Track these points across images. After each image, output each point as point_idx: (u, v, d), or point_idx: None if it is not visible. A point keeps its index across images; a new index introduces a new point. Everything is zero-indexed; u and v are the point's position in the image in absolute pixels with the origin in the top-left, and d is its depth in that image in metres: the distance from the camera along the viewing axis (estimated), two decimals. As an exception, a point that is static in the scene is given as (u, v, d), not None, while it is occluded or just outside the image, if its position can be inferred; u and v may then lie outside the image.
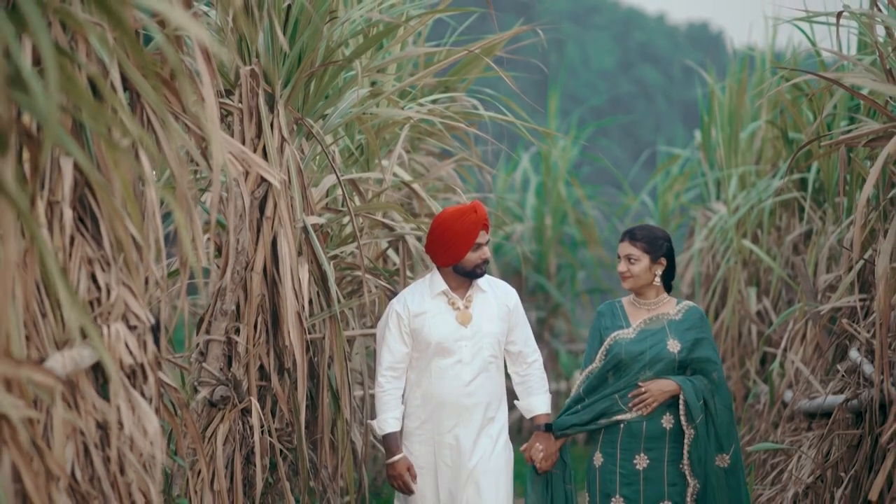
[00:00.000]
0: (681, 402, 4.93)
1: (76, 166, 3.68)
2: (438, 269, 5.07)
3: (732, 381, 8.19)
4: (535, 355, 5.21)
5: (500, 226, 10.85)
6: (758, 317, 8.15)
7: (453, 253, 5.03)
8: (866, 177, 5.01)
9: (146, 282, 3.91)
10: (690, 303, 5.12)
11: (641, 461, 4.98)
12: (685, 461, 4.94)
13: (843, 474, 5.21)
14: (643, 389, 4.96)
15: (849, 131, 6.38)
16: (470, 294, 5.10)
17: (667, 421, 4.97)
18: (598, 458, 5.06)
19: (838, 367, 5.66)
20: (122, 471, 3.78)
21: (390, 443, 5.04)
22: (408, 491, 5.05)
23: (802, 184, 7.72)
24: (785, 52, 9.25)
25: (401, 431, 5.07)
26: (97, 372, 3.75)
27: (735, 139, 8.92)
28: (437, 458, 5.05)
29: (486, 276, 5.16)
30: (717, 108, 9.32)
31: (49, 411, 3.38)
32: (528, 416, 5.19)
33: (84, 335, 3.71)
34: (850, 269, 5.81)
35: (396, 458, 5.02)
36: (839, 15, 4.95)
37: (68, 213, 3.66)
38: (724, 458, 4.93)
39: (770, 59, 8.70)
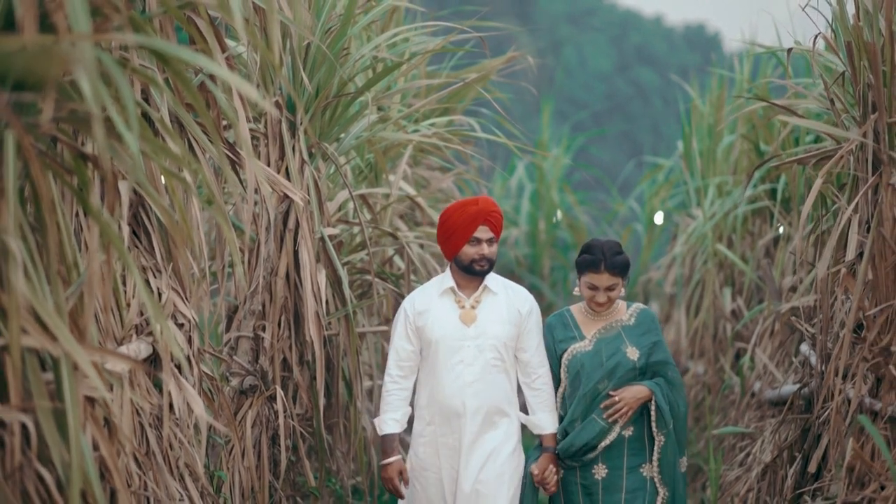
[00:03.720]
0: (652, 408, 4.81)
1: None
2: (450, 265, 4.96)
3: (708, 374, 8.85)
4: (542, 368, 4.94)
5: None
6: (732, 315, 8.78)
7: (452, 245, 4.87)
8: (822, 190, 5.66)
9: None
10: (640, 305, 5.02)
11: (600, 471, 4.85)
12: (655, 469, 4.83)
13: (796, 454, 5.84)
14: (616, 398, 4.81)
15: (815, 141, 7.05)
16: (479, 295, 4.91)
17: (625, 430, 4.86)
18: (559, 471, 4.93)
19: (794, 359, 6.31)
20: (171, 446, 4.44)
21: (386, 444, 4.93)
22: (397, 494, 4.93)
23: (773, 193, 8.38)
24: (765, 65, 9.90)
25: (410, 432, 4.99)
26: (151, 363, 4.41)
27: (713, 151, 9.56)
28: (442, 461, 4.89)
29: (503, 279, 5.01)
30: (698, 120, 9.97)
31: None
32: (536, 431, 4.98)
33: (139, 332, 4.40)
34: (809, 272, 6.46)
35: (390, 460, 4.90)
36: (790, 51, 5.62)
37: (126, 229, 4.32)
38: (683, 461, 4.90)
39: (747, 77, 9.31)
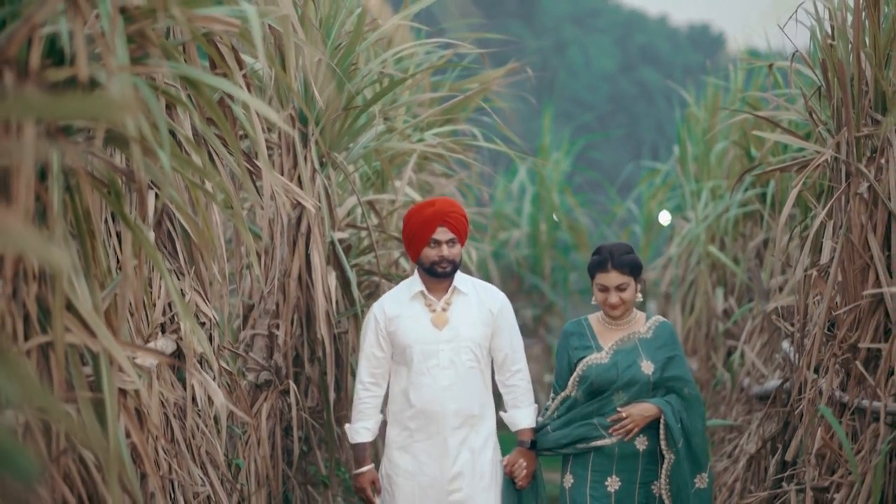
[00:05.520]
0: (661, 426, 4.69)
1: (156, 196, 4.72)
2: (417, 269, 4.92)
3: (701, 370, 9.20)
4: (519, 363, 4.89)
5: (495, 234, 11.78)
6: (724, 314, 9.12)
7: (414, 248, 4.83)
8: (809, 194, 6.00)
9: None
10: (660, 318, 4.92)
11: (613, 483, 4.75)
12: (664, 487, 4.71)
13: (778, 445, 6.18)
14: (624, 415, 4.71)
15: (801, 149, 7.37)
16: (449, 297, 4.85)
17: (640, 443, 4.76)
18: (568, 480, 4.84)
19: (777, 356, 6.66)
20: (193, 436, 4.77)
21: (358, 453, 4.90)
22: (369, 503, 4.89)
23: (763, 197, 8.71)
24: (759, 72, 10.22)
25: (383, 439, 4.96)
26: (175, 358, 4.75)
27: (707, 156, 9.89)
28: (418, 467, 4.83)
29: (472, 278, 4.97)
30: (694, 125, 10.31)
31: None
32: (512, 428, 4.92)
33: (164, 330, 4.75)
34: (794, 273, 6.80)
35: (362, 470, 4.87)
36: (771, 66, 5.97)
37: (151, 235, 4.66)
38: (703, 477, 4.75)
39: (739, 87, 9.62)
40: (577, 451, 4.79)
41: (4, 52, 2.76)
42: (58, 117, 2.73)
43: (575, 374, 4.82)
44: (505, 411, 4.95)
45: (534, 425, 4.88)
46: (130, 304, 4.21)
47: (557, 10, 45.87)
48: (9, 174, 2.84)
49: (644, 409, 4.72)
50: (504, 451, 5.00)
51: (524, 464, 4.83)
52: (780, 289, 7.44)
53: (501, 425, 5.06)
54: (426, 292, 4.87)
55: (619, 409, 4.74)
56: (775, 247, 7.50)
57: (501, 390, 4.93)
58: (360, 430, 4.88)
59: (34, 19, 2.75)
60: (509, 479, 4.89)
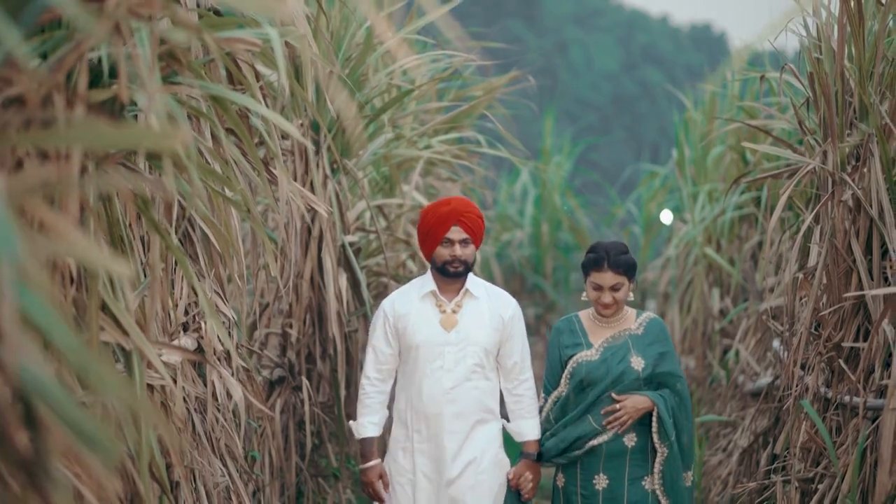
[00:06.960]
0: (654, 419, 4.67)
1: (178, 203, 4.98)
2: (430, 268, 4.86)
3: (698, 368, 9.46)
4: (527, 373, 4.80)
5: (497, 236, 11.98)
6: (721, 314, 9.39)
7: (427, 246, 4.75)
8: (797, 200, 6.24)
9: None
10: (651, 314, 4.89)
11: (601, 481, 4.72)
12: (656, 481, 4.69)
13: (770, 440, 6.43)
14: (618, 406, 4.69)
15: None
16: (460, 299, 4.77)
17: (629, 439, 4.74)
18: (560, 479, 4.84)
19: (769, 354, 6.92)
20: (213, 429, 5.03)
21: (365, 448, 4.80)
22: (378, 499, 4.79)
23: (758, 201, 8.96)
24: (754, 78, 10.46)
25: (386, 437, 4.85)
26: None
27: (704, 160, 10.15)
28: (416, 468, 4.75)
29: (486, 283, 4.88)
30: (692, 128, 10.56)
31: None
32: (517, 439, 4.83)
33: (185, 329, 5.02)
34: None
35: (370, 464, 4.78)
36: (762, 77, 6.22)
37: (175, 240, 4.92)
38: (688, 475, 4.78)
39: (736, 94, 9.87)
40: (577, 457, 4.75)
41: (53, 77, 3.02)
42: (113, 148, 2.99)
43: (566, 370, 4.78)
44: (508, 421, 4.88)
45: (539, 437, 4.82)
46: (158, 305, 4.46)
47: (559, 10, 46.06)
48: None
49: (638, 402, 4.69)
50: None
51: (530, 476, 4.78)
52: (772, 290, 7.69)
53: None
54: (437, 292, 4.79)
55: (614, 395, 4.69)
56: (771, 249, 7.76)
57: (507, 398, 4.84)
58: (367, 424, 4.80)
59: (83, 46, 3.01)
60: (516, 492, 4.82)
